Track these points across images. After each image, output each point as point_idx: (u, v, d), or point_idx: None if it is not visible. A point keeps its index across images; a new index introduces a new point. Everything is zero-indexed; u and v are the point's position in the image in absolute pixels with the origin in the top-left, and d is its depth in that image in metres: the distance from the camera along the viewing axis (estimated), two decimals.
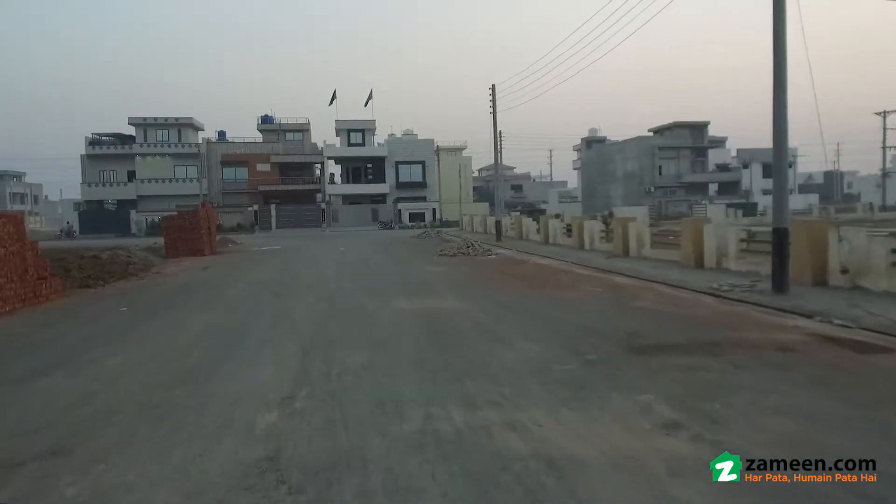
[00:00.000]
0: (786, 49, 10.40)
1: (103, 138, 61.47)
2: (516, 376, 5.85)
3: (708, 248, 14.22)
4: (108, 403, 5.37)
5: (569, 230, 23.82)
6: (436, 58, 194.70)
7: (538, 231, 27.48)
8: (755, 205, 51.96)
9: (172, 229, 25.63)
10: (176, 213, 27.90)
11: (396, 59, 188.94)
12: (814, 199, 65.88)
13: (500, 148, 32.49)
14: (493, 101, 30.25)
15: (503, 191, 37.02)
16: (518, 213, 40.69)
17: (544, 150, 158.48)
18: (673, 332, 7.86)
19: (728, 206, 48.23)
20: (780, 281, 10.42)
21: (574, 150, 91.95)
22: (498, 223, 30.85)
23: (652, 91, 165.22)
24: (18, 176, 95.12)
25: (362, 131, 61.31)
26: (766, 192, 65.70)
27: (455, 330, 8.25)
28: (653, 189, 59.48)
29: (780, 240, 10.46)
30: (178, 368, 6.52)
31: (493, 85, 30.18)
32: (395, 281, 14.38)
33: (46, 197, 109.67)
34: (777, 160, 10.63)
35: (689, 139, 61.83)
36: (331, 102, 61.15)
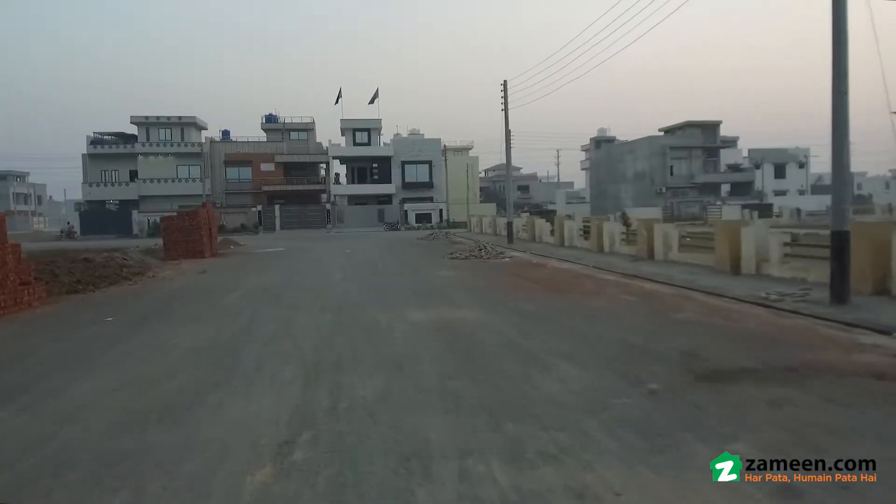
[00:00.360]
0: (846, 31, 9.28)
1: (105, 137, 60.59)
2: (568, 414, 4.76)
3: (746, 253, 13.10)
4: (66, 449, 4.33)
5: (586, 232, 22.70)
6: (440, 57, 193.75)
7: (552, 233, 26.35)
8: (770, 206, 50.63)
9: (171, 230, 24.62)
10: (175, 213, 26.90)
11: (402, 59, 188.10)
12: (826, 200, 64.47)
13: (509, 148, 31.30)
14: (505, 97, 29.14)
15: (510, 191, 35.98)
16: (528, 214, 39.60)
17: (550, 151, 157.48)
18: (736, 352, 6.75)
19: (743, 206, 46.97)
20: (840, 290, 9.30)
21: (582, 150, 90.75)
22: (509, 224, 29.73)
23: (657, 92, 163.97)
24: (22, 176, 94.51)
25: (368, 131, 60.25)
26: (777, 193, 64.43)
27: (480, 348, 7.17)
28: (664, 190, 58.23)
29: (840, 244, 9.34)
30: (156, 400, 5.45)
31: (505, 81, 29.11)
32: (406, 287, 13.30)
33: (51, 197, 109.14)
34: (837, 156, 9.49)
35: (701, 139, 60.52)
36: (336, 101, 60.48)
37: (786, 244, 12.46)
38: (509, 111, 29.39)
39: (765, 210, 48.43)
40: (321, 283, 14.76)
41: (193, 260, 22.90)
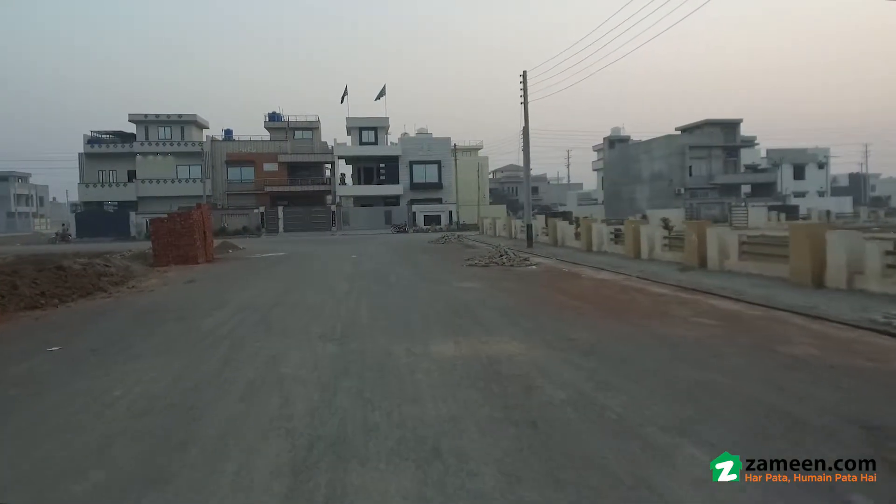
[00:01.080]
0: None
1: (103, 136, 58.62)
2: None
3: (834, 262, 10.90)
4: None
5: (617, 236, 20.51)
6: (448, 56, 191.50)
7: (577, 236, 24.16)
8: (796, 207, 48.35)
9: (162, 234, 22.55)
10: (165, 215, 24.86)
11: (408, 57, 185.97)
12: (846, 201, 62.10)
13: (528, 144, 29.09)
14: (524, 89, 26.96)
15: (521, 193, 33.90)
16: (544, 216, 37.45)
17: (558, 151, 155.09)
18: None
19: (769, 208, 44.67)
20: None
21: (594, 151, 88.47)
22: (529, 227, 27.57)
23: (664, 92, 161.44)
24: (24, 177, 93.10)
25: (375, 129, 58.14)
26: (797, 195, 61.96)
27: (546, 411, 4.99)
28: (682, 191, 55.91)
29: None
30: None
31: (525, 72, 26.94)
32: (425, 305, 11.13)
33: (54, 199, 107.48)
34: None
35: (721, 138, 58.20)
36: (342, 100, 58.19)
37: (888, 253, 10.24)
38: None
39: (791, 212, 46.27)
40: (324, 297, 12.60)
41: (185, 266, 20.88)
